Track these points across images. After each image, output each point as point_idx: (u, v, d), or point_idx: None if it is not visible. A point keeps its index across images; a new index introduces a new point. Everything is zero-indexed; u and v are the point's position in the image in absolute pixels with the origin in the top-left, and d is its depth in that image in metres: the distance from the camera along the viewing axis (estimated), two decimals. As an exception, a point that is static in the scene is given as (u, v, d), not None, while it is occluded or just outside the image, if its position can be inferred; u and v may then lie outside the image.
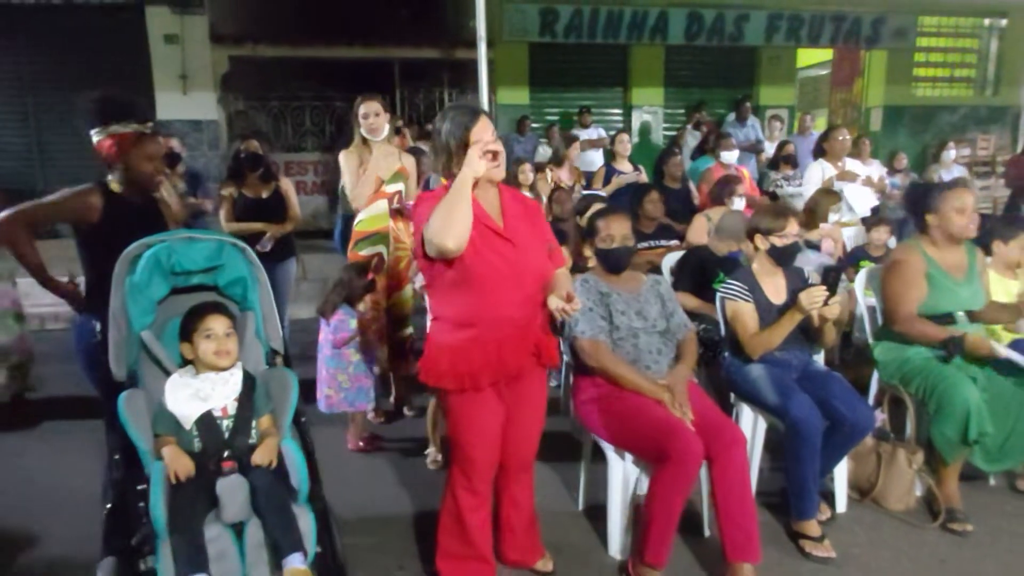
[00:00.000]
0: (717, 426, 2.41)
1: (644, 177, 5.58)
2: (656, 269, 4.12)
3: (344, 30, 8.15)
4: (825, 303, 2.60)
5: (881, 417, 2.99)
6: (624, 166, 5.68)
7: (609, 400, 2.50)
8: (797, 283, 2.93)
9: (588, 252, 2.77)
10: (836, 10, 8.65)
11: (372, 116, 3.47)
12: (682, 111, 9.14)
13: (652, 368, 2.57)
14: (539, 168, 6.01)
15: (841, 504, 2.85)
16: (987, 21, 9.45)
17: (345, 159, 3.52)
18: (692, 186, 5.93)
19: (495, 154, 2.07)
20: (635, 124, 9.09)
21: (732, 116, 7.99)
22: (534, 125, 8.63)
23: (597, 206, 4.12)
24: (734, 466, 2.35)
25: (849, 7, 8.64)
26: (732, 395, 3.01)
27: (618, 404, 2.48)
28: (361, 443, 3.50)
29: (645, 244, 4.48)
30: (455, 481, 2.26)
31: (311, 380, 3.39)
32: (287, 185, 4.40)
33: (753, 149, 7.62)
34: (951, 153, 7.06)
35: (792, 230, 2.87)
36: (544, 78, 8.93)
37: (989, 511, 2.81)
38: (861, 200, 5.35)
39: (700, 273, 3.74)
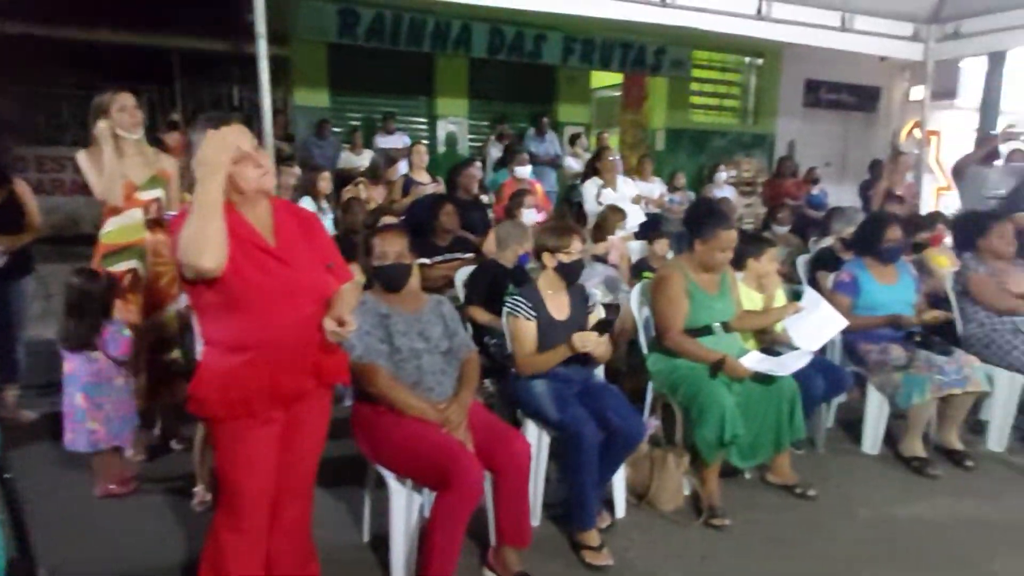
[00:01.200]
0: (502, 437, 2.43)
1: (443, 189, 5.54)
2: (452, 283, 4.08)
3: (108, 12, 7.20)
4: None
5: (655, 424, 3.18)
6: (422, 177, 5.60)
7: (389, 426, 2.38)
8: (579, 300, 3.02)
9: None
10: (624, 38, 9.32)
11: (123, 111, 3.04)
12: (486, 123, 9.31)
13: (435, 390, 2.49)
14: (348, 179, 5.78)
15: (620, 510, 2.97)
16: (747, 59, 10.75)
17: (86, 159, 3.04)
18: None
19: (257, 163, 1.86)
20: (440, 134, 9.09)
21: (532, 131, 8.27)
22: (335, 129, 8.29)
23: (387, 220, 3.99)
24: (516, 472, 2.42)
25: (635, 36, 9.35)
26: (519, 411, 3.02)
27: (398, 430, 2.36)
28: (114, 486, 3.04)
29: (440, 257, 4.43)
30: (219, 522, 2.00)
31: (56, 414, 2.95)
32: (23, 188, 3.74)
33: (552, 163, 7.95)
34: (722, 174, 7.90)
35: (576, 247, 2.94)
36: (346, 81, 8.63)
37: (744, 504, 3.07)
38: (631, 216, 5.77)
39: (492, 286, 3.74)
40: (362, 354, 2.37)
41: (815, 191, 8.19)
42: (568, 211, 7.29)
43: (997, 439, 3.67)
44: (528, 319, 2.86)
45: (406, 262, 2.54)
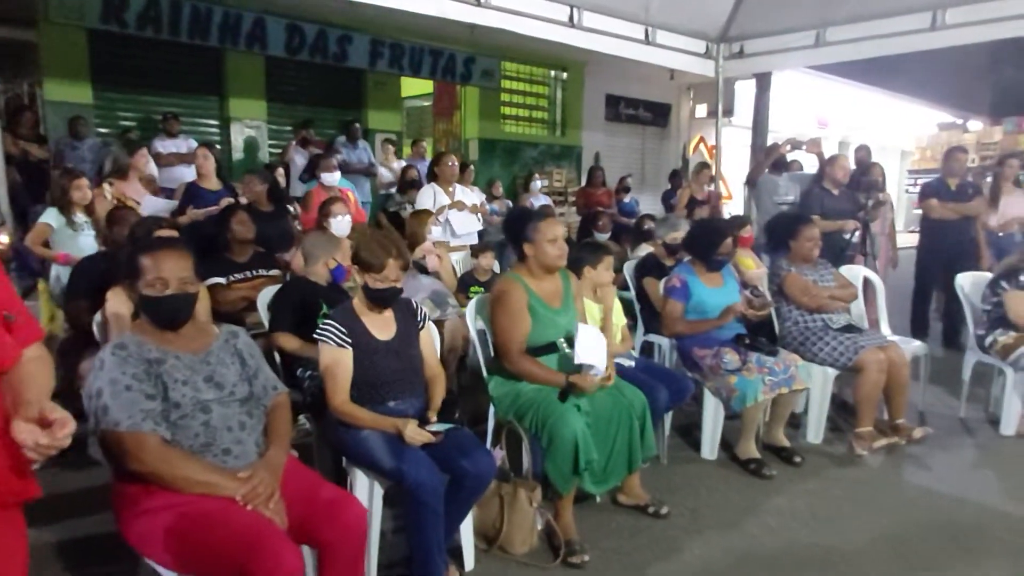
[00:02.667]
0: (329, 505, 1.93)
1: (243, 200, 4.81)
2: (254, 306, 3.46)
3: None
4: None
5: (500, 455, 2.84)
6: (212, 184, 4.82)
7: (166, 509, 1.78)
8: (407, 315, 2.62)
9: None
10: (434, 45, 9.05)
11: None
12: (289, 128, 8.52)
13: (234, 452, 1.92)
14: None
15: (469, 560, 2.58)
16: (553, 72, 11.01)
17: None
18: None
19: None
20: (235, 139, 8.14)
21: (343, 137, 7.68)
22: (101, 130, 7.04)
23: (165, 233, 3.27)
24: (348, 549, 1.94)
25: (445, 44, 9.12)
26: (344, 460, 2.53)
27: (179, 513, 1.77)
28: None
29: (240, 275, 3.77)
30: None
31: None
32: None
33: (366, 172, 7.42)
34: (537, 183, 7.91)
35: (391, 275, 2.49)
36: (115, 74, 7.38)
37: (600, 532, 2.85)
38: (466, 226, 5.49)
39: (302, 307, 3.20)
40: (121, 420, 1.75)
41: (626, 199, 8.50)
42: (386, 222, 6.81)
43: (815, 432, 3.84)
44: (341, 346, 2.40)
45: (191, 290, 1.95)
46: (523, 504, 2.66)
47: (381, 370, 2.45)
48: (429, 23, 7.74)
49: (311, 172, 6.51)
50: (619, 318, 3.65)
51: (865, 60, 6.38)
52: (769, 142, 8.22)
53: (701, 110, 12.43)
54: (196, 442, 1.86)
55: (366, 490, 2.41)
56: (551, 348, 2.87)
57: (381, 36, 8.52)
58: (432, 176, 5.56)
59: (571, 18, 5.37)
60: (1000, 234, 5.55)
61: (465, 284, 4.76)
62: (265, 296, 3.35)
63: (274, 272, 3.99)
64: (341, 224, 4.27)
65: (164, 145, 6.83)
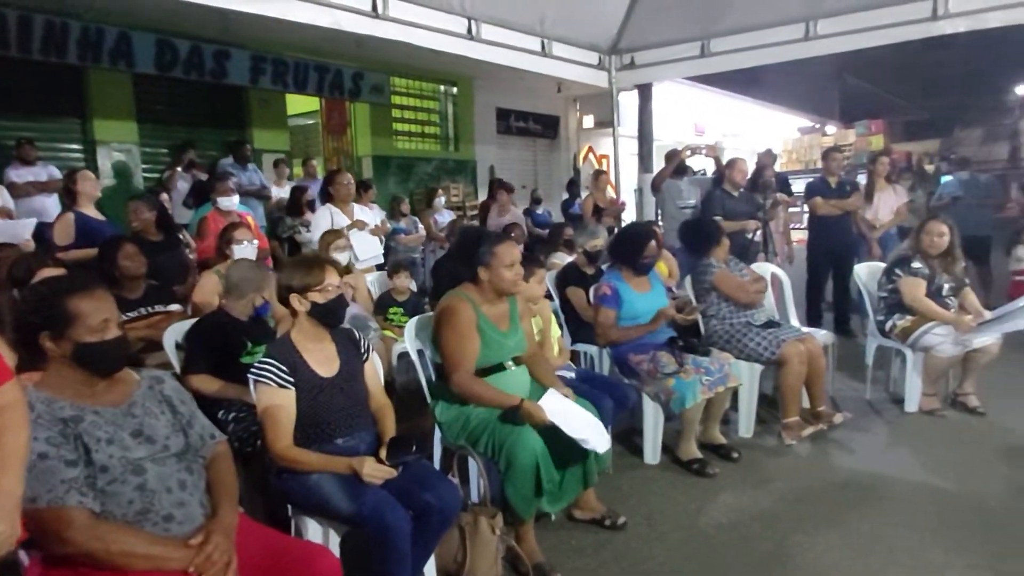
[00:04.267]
0: (300, 564, 1.74)
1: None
2: (155, 345, 3.11)
3: None
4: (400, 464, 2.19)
5: (455, 482, 2.68)
6: (90, 210, 4.32)
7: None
8: (349, 347, 2.43)
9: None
10: (320, 61, 8.70)
11: None
12: (166, 151, 7.88)
13: (177, 516, 1.67)
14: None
15: (432, 601, 2.41)
16: (443, 87, 10.92)
17: None
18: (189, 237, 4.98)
19: None
20: (103, 163, 7.40)
21: (230, 159, 7.19)
22: (-60, 159, 6.19)
23: (50, 271, 2.86)
24: None
25: (331, 60, 8.80)
26: (289, 508, 2.28)
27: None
28: None
29: (134, 313, 3.39)
30: None
31: None
32: None
33: (259, 195, 6.98)
34: (441, 199, 7.77)
35: (333, 281, 2.34)
36: (-47, 96, 6.53)
37: (562, 552, 2.76)
38: (368, 249, 5.26)
39: (221, 345, 2.90)
40: (39, 495, 1.46)
41: (539, 211, 8.55)
42: (279, 247, 6.42)
43: (746, 426, 3.95)
44: (283, 386, 2.18)
45: (121, 337, 1.67)
46: (485, 533, 2.51)
47: (327, 408, 2.25)
48: (313, 37, 7.47)
49: (198, 197, 6.04)
50: (554, 331, 3.61)
51: (734, 71, 6.76)
52: (654, 150, 8.57)
53: (588, 121, 12.77)
54: (131, 510, 1.59)
55: (319, 540, 2.18)
56: (498, 369, 2.75)
57: (262, 52, 8.08)
58: (327, 196, 5.26)
59: (469, 30, 5.30)
60: (878, 226, 6.02)
61: (383, 305, 4.55)
62: (172, 333, 3.01)
63: (174, 307, 3.62)
64: (246, 251, 3.94)
65: (19, 174, 6.09)
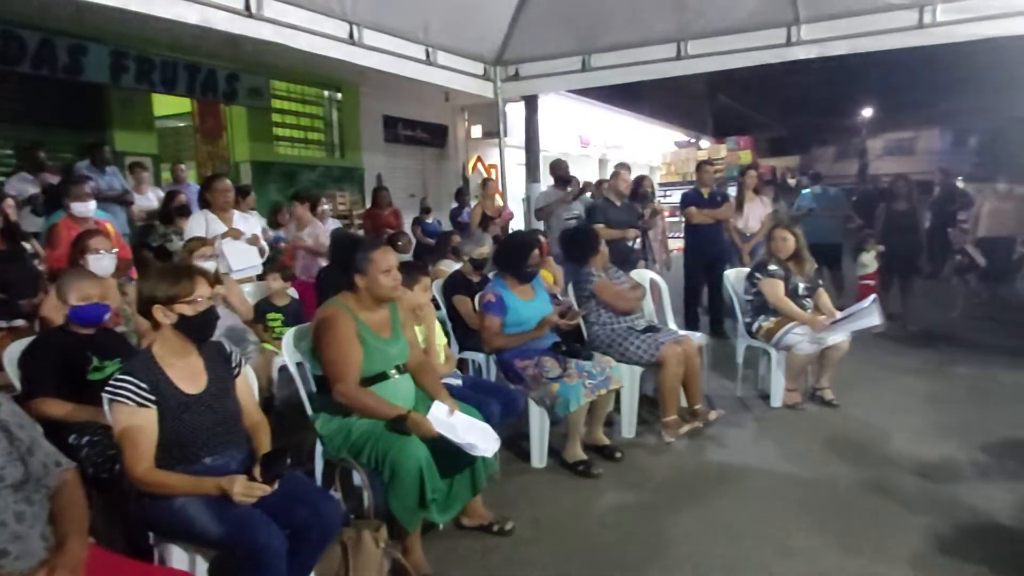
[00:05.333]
0: None
1: None
2: (-3, 366, 2.80)
3: None
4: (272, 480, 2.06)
5: (336, 496, 2.59)
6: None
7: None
8: (219, 361, 2.30)
9: None
10: (190, 59, 8.23)
11: None
12: (10, 152, 7.14)
13: (13, 551, 1.52)
14: None
15: (312, 623, 2.30)
16: (327, 93, 10.63)
17: None
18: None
19: None
20: (-66, 165, 6.62)
21: (86, 162, 6.62)
22: None
23: None
24: None
25: (203, 59, 8.34)
26: (151, 535, 2.12)
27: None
28: None
29: (-29, 332, 3.04)
30: None
31: None
32: None
33: (120, 200, 6.47)
34: (326, 207, 7.53)
35: (204, 292, 2.21)
36: None
37: (449, 560, 2.74)
38: (244, 259, 5.01)
39: (64, 365, 2.65)
40: None
41: (429, 220, 8.48)
42: (148, 256, 5.97)
43: (628, 427, 4.09)
44: (143, 405, 2.03)
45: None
46: (369, 547, 2.44)
47: (193, 427, 2.11)
48: (182, 34, 7.05)
49: (51, 202, 5.53)
50: (439, 338, 3.59)
51: (616, 86, 7.05)
52: (540, 160, 8.76)
53: (476, 131, 12.85)
54: (-44, 551, 1.41)
55: (185, 567, 2.04)
56: (382, 378, 2.69)
57: (124, 47, 7.53)
58: (204, 202, 4.97)
59: (351, 35, 5.20)
60: (748, 234, 6.45)
61: (262, 312, 4.34)
62: (14, 352, 2.72)
63: (18, 322, 3.29)
64: (103, 262, 3.62)
65: None
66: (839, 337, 4.41)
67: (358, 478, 2.64)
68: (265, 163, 9.47)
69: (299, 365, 2.92)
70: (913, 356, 5.88)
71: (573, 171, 6.87)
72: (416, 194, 11.60)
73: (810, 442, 3.96)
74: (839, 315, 4.44)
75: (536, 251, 3.82)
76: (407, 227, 8.67)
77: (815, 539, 2.86)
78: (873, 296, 4.55)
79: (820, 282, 4.73)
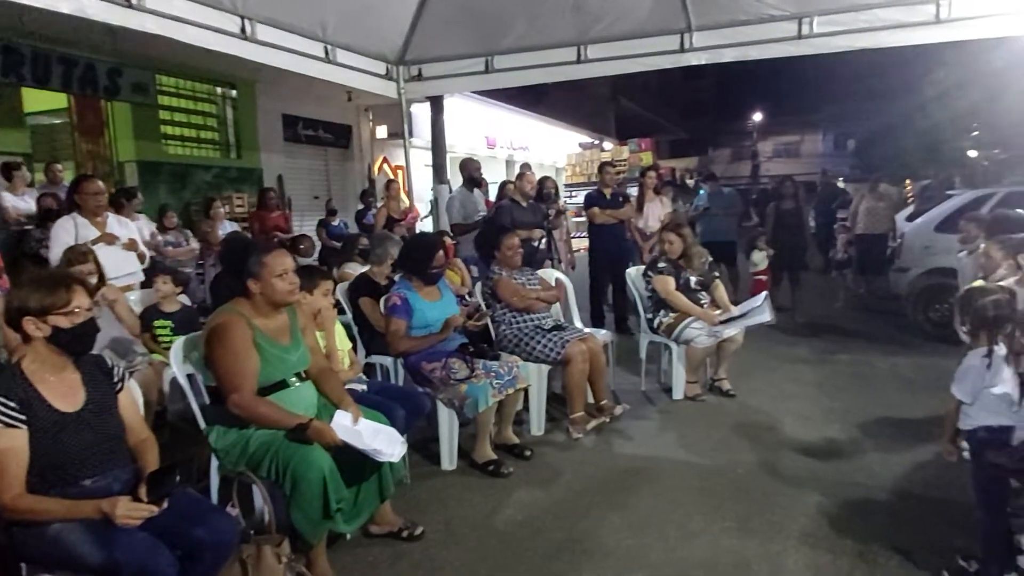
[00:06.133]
0: None
1: None
2: None
3: None
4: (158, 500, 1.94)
5: (235, 511, 2.47)
6: None
7: None
8: (97, 374, 2.14)
9: None
10: (65, 51, 7.63)
11: None
12: None
13: None
14: None
15: (210, 648, 2.18)
16: (220, 89, 10.14)
17: None
18: None
19: None
20: None
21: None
22: None
23: None
24: None
25: (80, 51, 7.76)
26: (24, 567, 1.94)
27: None
28: None
29: None
30: None
31: None
32: None
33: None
34: (221, 210, 7.19)
35: (82, 303, 2.05)
36: None
37: (357, 569, 2.68)
38: (119, 265, 4.69)
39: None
40: None
41: (335, 222, 8.25)
42: (25, 264, 5.49)
43: (537, 424, 4.13)
44: (11, 426, 1.88)
45: None
46: (270, 563, 2.33)
47: (70, 447, 1.96)
48: (56, 24, 6.53)
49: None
50: (343, 343, 3.50)
51: (522, 88, 7.12)
52: (447, 161, 8.72)
53: (381, 131, 12.62)
54: None
55: (62, 601, 1.88)
56: (281, 386, 2.59)
57: (-11, 37, 6.91)
58: (73, 205, 4.60)
59: (243, 30, 4.98)
60: (649, 232, 6.67)
61: (149, 319, 4.08)
62: None
63: None
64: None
65: None
66: (734, 330, 4.63)
67: (258, 492, 2.55)
68: (153, 163, 8.93)
69: (191, 376, 2.77)
70: (802, 346, 6.27)
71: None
72: (320, 195, 11.28)
73: (710, 431, 4.14)
74: (734, 311, 4.67)
75: (440, 252, 3.79)
76: (311, 230, 8.43)
77: (715, 523, 2.99)
78: (765, 294, 4.81)
79: (716, 275, 4.95)
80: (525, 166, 8.48)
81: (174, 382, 3.71)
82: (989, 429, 2.41)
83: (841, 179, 17.17)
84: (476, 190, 6.34)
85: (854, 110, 31.03)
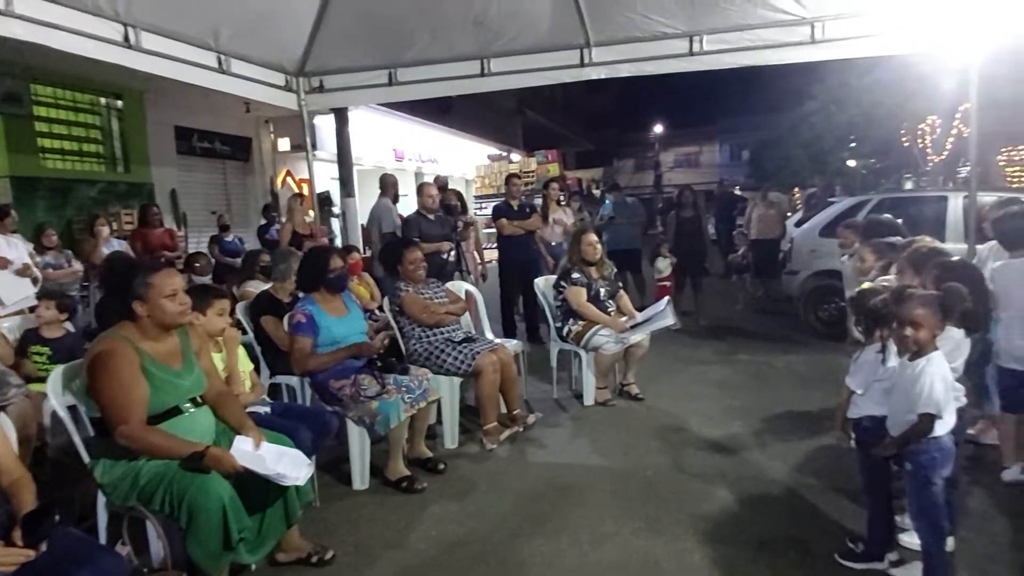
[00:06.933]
0: None
1: None
2: None
3: None
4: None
5: (126, 550, 2.31)
6: None
7: None
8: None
9: None
10: (-77, 58, 7.00)
11: None
12: None
13: None
14: None
15: None
16: (104, 100, 9.54)
17: None
18: None
19: None
20: None
21: None
22: None
23: None
24: None
25: (-59, 58, 7.14)
26: None
27: None
28: None
29: None
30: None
31: None
32: None
33: None
34: (105, 228, 6.74)
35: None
36: None
37: (263, 605, 2.55)
38: (14, 290, 4.36)
39: None
40: None
41: (229, 238, 7.88)
42: None
43: (450, 437, 4.10)
44: None
45: None
46: (167, 603, 2.21)
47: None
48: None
49: None
50: (244, 364, 3.36)
51: (430, 101, 7.10)
52: (355, 174, 8.57)
53: (284, 143, 12.22)
54: None
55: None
56: (174, 413, 2.44)
57: None
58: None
59: (127, 38, 4.72)
60: (553, 243, 6.78)
61: (25, 346, 3.78)
62: None
63: None
64: None
65: None
66: (640, 336, 4.77)
67: (151, 527, 2.39)
68: (29, 179, 8.27)
69: (73, 408, 2.57)
70: (705, 348, 6.54)
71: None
72: (220, 211, 10.81)
73: (620, 435, 4.24)
74: (639, 316, 4.81)
75: (335, 256, 3.71)
76: (204, 247, 8.02)
77: (626, 525, 3.06)
78: (667, 299, 4.99)
79: (620, 284, 5.09)
80: (423, 182, 8.49)
81: (55, 415, 3.46)
82: (872, 418, 2.59)
83: (737, 188, 18.12)
84: (396, 204, 6.26)
85: (747, 122, 33.02)
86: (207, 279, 5.47)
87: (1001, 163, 14.69)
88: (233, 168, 11.72)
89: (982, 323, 2.83)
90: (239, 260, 7.01)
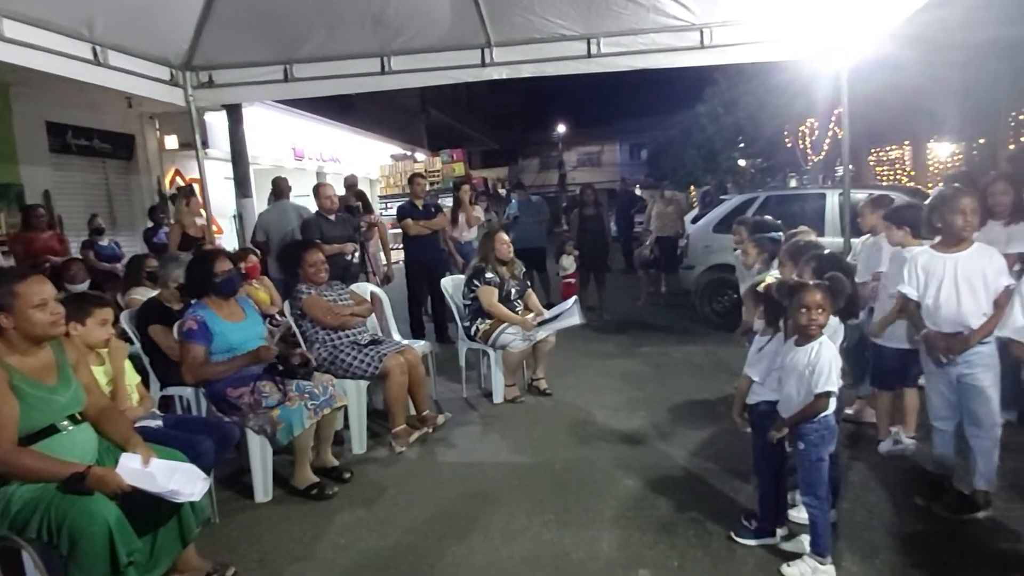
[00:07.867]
0: None
1: None
2: None
3: None
4: None
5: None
6: None
7: None
8: None
9: None
10: None
11: None
12: None
13: None
14: None
15: None
16: (-38, 94, 8.70)
17: None
18: None
19: None
20: None
21: None
22: None
23: None
24: None
25: None
26: None
27: None
28: None
29: None
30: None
31: None
32: None
33: None
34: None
35: None
36: None
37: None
38: None
39: None
40: None
41: (104, 242, 7.33)
42: None
43: (358, 443, 4.01)
44: None
45: None
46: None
47: None
48: None
49: None
50: (131, 377, 3.14)
51: (332, 98, 6.91)
52: (252, 173, 8.22)
53: (171, 141, 11.52)
54: None
55: None
56: (50, 432, 2.25)
57: None
58: None
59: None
60: (463, 242, 6.77)
61: None
62: None
63: None
64: None
65: None
66: (546, 333, 4.85)
67: (27, 557, 2.20)
68: None
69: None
70: (609, 341, 6.73)
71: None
72: (101, 213, 10.08)
73: (529, 431, 4.29)
74: (547, 314, 4.89)
75: (221, 258, 3.54)
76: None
77: (536, 519, 3.09)
78: (574, 298, 5.10)
79: (528, 283, 5.15)
80: (319, 184, 8.27)
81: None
82: (768, 403, 2.74)
83: (637, 186, 18.75)
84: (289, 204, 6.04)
85: (645, 123, 34.19)
86: (84, 286, 5.09)
87: (871, 162, 15.94)
88: (115, 167, 10.96)
89: (857, 310, 3.06)
90: (118, 265, 6.56)
